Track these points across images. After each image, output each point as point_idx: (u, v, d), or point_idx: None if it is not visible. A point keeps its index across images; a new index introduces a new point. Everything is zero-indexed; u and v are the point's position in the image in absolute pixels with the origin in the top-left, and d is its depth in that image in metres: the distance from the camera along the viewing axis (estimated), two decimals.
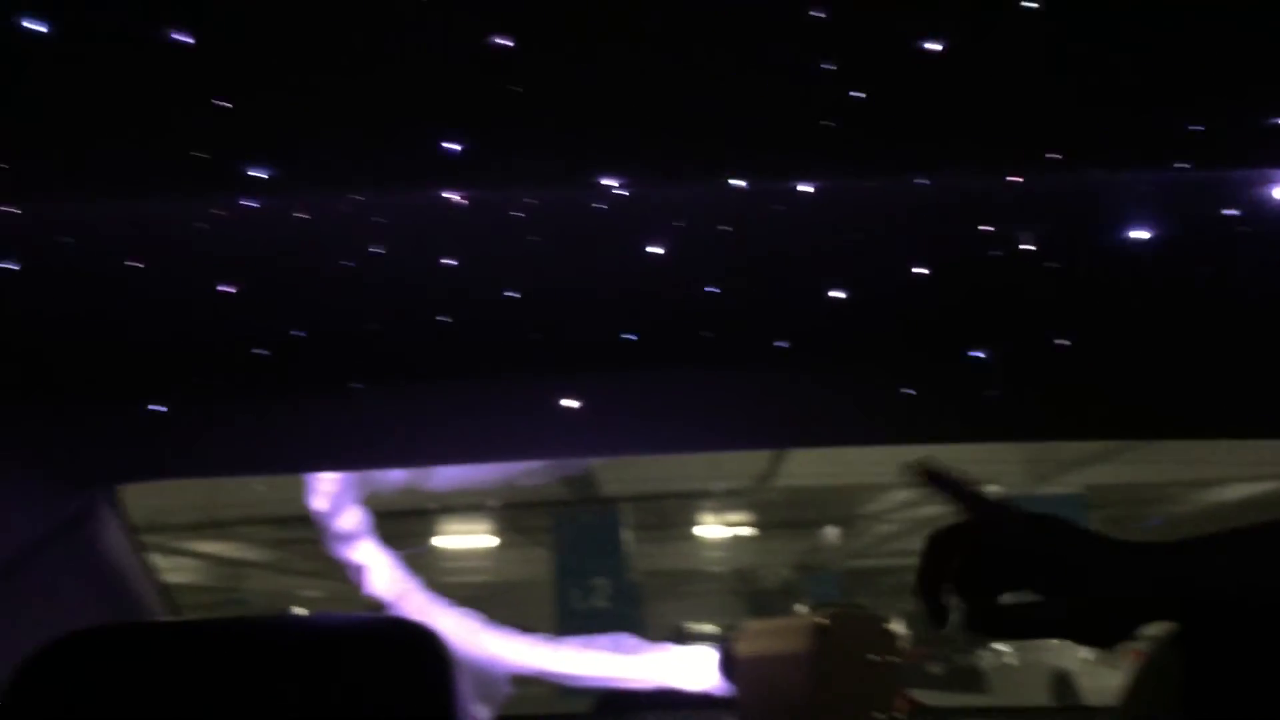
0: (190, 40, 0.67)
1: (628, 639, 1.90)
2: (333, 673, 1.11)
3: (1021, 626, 0.77)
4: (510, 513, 13.70)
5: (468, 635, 1.88)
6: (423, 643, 1.13)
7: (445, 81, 0.77)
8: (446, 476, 1.84)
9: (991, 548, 0.77)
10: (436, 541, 14.81)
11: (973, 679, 11.94)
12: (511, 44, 0.68)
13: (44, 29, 0.66)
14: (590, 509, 12.90)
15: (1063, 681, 9.61)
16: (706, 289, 1.16)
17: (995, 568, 0.77)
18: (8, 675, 1.08)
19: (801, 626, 1.61)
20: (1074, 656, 9.43)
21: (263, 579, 17.96)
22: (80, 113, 0.82)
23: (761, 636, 1.69)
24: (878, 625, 1.68)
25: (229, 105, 0.74)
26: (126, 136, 0.85)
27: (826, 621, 1.61)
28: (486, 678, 1.86)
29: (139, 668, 1.13)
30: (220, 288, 1.14)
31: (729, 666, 1.74)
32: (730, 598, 21.54)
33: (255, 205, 0.94)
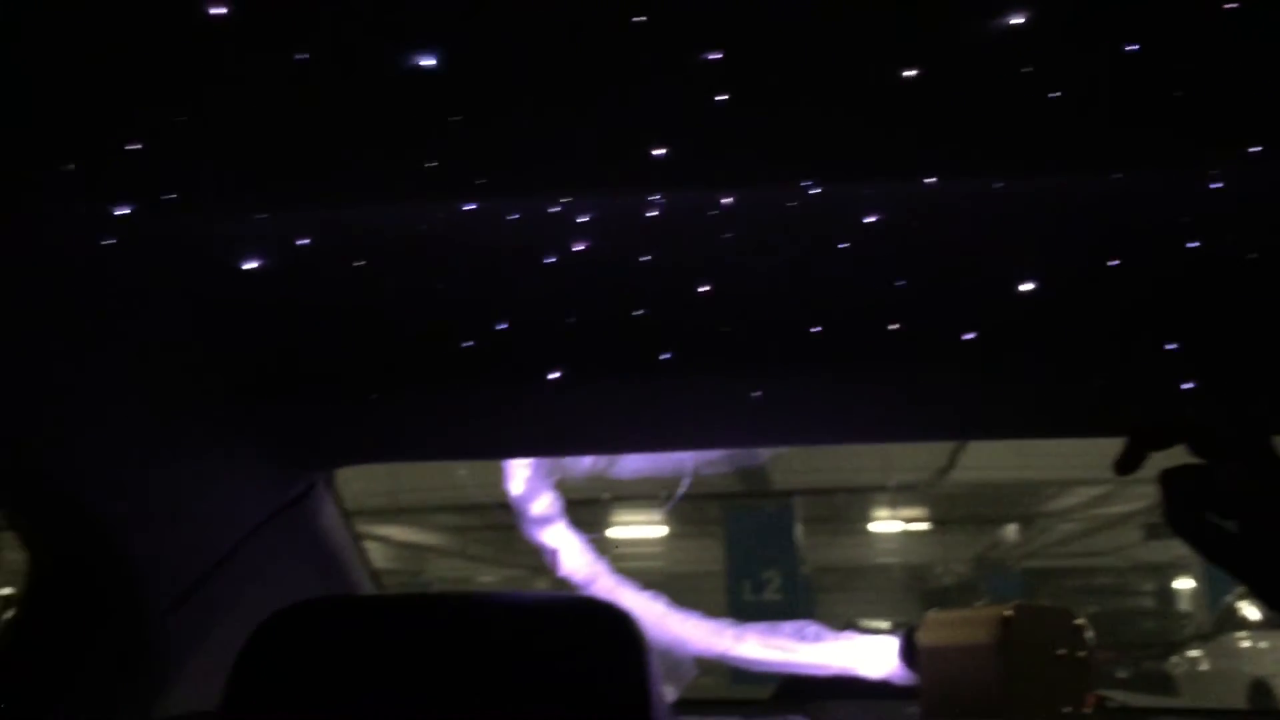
0: (433, 63, 0.74)
1: (810, 626, 1.92)
2: (533, 648, 1.16)
3: (1209, 541, 0.76)
4: (682, 504, 13.76)
5: (654, 618, 1.94)
6: (617, 622, 1.16)
7: (655, 91, 0.82)
8: (624, 466, 1.89)
9: (1240, 465, 0.76)
10: (609, 531, 15.05)
11: (1162, 684, 11.44)
12: (720, 55, 0.73)
13: (306, 56, 0.74)
14: (762, 502, 12.88)
15: (1260, 689, 9.12)
16: (895, 283, 1.19)
17: (1226, 482, 0.76)
18: (241, 643, 1.18)
19: (987, 617, 1.60)
20: (1276, 662, 8.95)
21: (442, 564, 18.59)
22: (324, 129, 0.91)
23: (945, 626, 1.69)
24: (1066, 618, 1.65)
25: (460, 118, 0.81)
26: (363, 149, 0.94)
27: (1012, 613, 1.60)
28: (673, 659, 1.91)
29: (355, 638, 1.21)
30: (435, 284, 1.23)
31: (911, 655, 1.75)
32: (903, 594, 21.15)
33: (473, 208, 1.02)
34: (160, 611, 1.47)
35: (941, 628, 1.69)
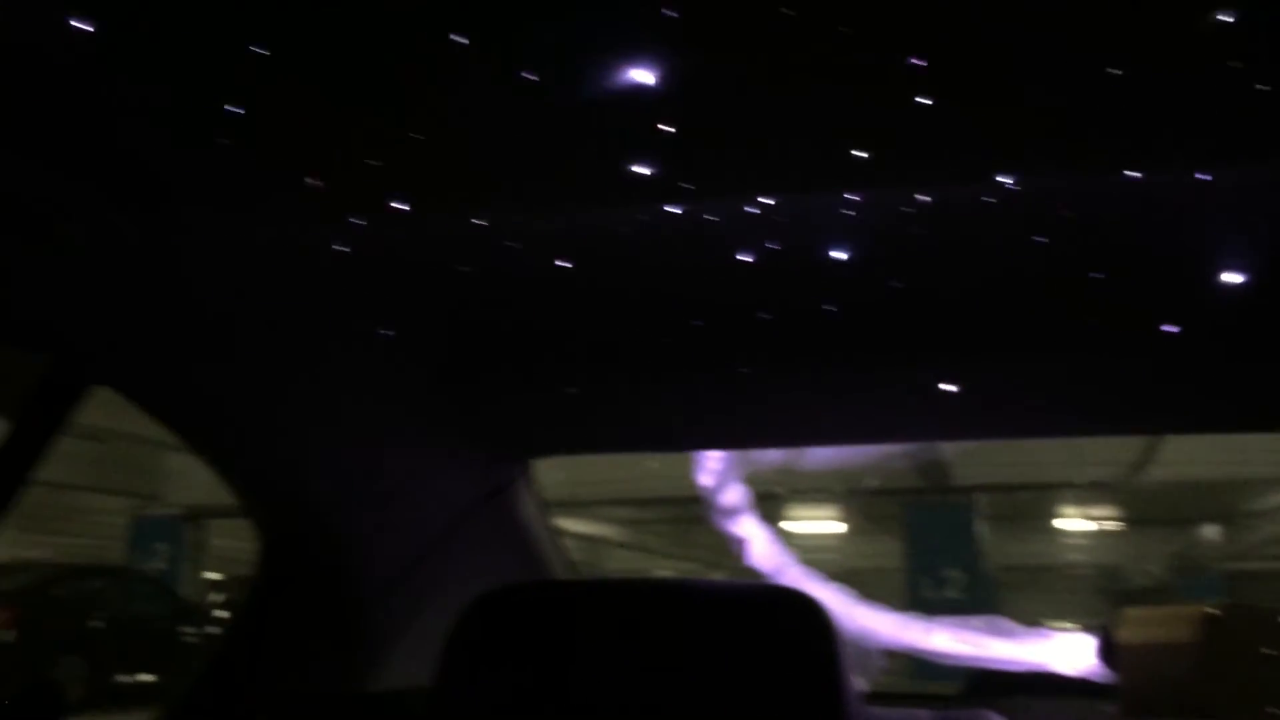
0: (649, 80, 0.79)
1: (1002, 621, 1.91)
2: (729, 632, 1.19)
3: None
4: (860, 499, 13.59)
5: (842, 608, 1.96)
6: (810, 610, 1.18)
7: (858, 97, 0.85)
8: (808, 460, 1.91)
9: None
10: (786, 525, 14.98)
11: None
12: (924, 63, 0.75)
13: (536, 78, 0.80)
14: (943, 498, 12.60)
15: None
16: (1091, 275, 1.18)
17: None
18: (450, 622, 1.25)
19: (1190, 615, 1.57)
20: None
21: (619, 556, 18.86)
22: (541, 141, 0.98)
23: (1145, 623, 1.65)
24: (1274, 619, 1.60)
25: (673, 130, 0.86)
26: (577, 158, 1.00)
27: (1218, 612, 1.56)
28: (862, 650, 1.93)
29: (559, 620, 1.27)
30: (634, 283, 1.28)
31: (1110, 653, 1.72)
32: (1093, 596, 20.33)
33: (678, 211, 1.07)
34: (376, 592, 1.57)
35: (1141, 625, 1.66)
